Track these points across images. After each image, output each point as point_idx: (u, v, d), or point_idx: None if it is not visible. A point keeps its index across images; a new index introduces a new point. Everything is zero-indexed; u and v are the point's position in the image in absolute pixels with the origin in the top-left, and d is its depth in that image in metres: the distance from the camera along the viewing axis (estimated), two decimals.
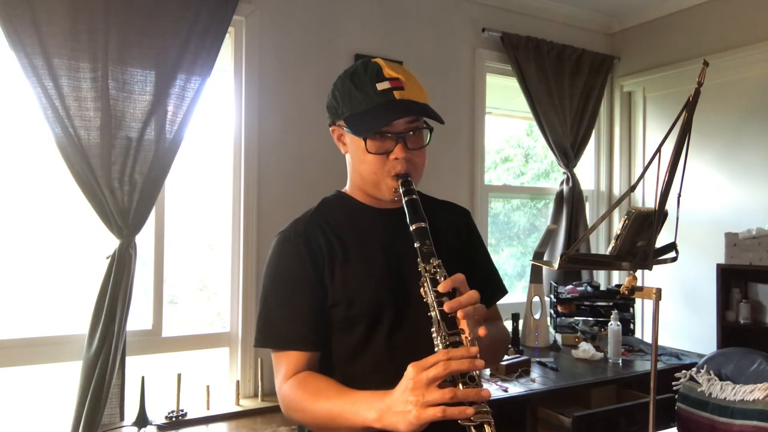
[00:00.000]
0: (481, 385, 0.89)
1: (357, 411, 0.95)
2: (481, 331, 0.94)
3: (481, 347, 0.93)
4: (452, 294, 0.96)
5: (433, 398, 0.85)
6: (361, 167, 1.14)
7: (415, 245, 1.03)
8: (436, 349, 0.93)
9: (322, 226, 1.17)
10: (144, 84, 2.30)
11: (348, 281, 1.12)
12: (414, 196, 1.08)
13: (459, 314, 0.94)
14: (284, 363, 1.11)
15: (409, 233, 1.05)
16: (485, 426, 0.85)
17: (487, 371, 2.57)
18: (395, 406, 0.89)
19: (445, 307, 0.93)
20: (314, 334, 1.11)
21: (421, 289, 1.00)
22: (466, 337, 0.93)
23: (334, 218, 1.19)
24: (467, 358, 0.88)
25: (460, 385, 0.87)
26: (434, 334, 0.94)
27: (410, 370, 0.89)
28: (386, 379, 0.94)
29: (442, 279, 0.97)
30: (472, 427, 0.85)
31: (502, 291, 1.32)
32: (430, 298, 0.97)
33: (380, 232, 1.18)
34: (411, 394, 0.87)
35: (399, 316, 1.12)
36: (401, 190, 1.09)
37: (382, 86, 1.08)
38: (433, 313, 0.96)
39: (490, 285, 1.29)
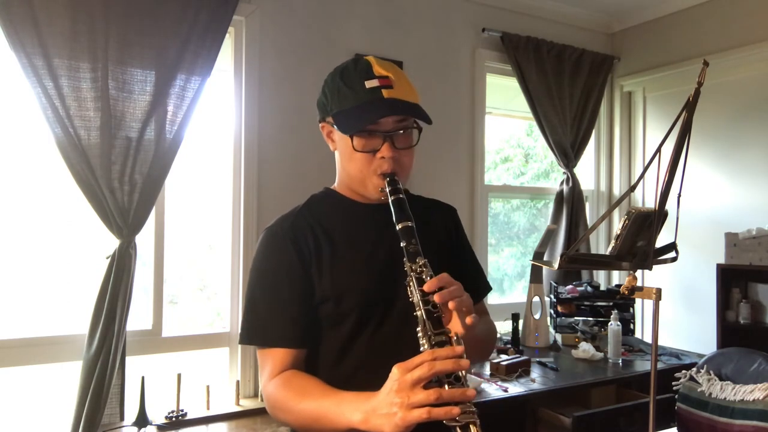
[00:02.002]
0: (467, 385, 0.88)
1: (342, 412, 0.94)
2: (468, 320, 0.94)
3: (469, 342, 0.93)
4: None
5: (418, 400, 0.84)
6: (348, 165, 1.15)
7: (402, 244, 1.02)
8: (421, 348, 0.92)
9: (310, 222, 1.16)
10: (144, 84, 2.30)
11: (336, 277, 1.11)
12: (400, 196, 1.08)
13: (450, 305, 0.94)
14: (269, 361, 1.10)
15: (396, 229, 1.05)
16: (471, 426, 0.85)
17: (488, 371, 2.57)
18: (380, 408, 0.88)
19: (436, 298, 0.93)
20: (300, 332, 1.10)
21: (408, 289, 0.99)
22: (452, 337, 0.92)
23: (322, 214, 1.19)
24: (452, 358, 0.87)
25: (446, 386, 0.87)
26: (419, 334, 0.94)
27: (395, 371, 0.88)
28: (371, 378, 0.94)
29: (428, 278, 0.97)
30: (457, 428, 0.85)
31: (488, 288, 1.33)
32: (416, 298, 0.96)
33: (368, 228, 1.17)
34: (396, 396, 0.86)
35: (386, 313, 1.12)
36: (387, 190, 1.09)
37: (370, 84, 1.08)
38: (418, 313, 0.95)
39: (477, 282, 1.30)
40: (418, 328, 0.94)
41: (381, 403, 0.88)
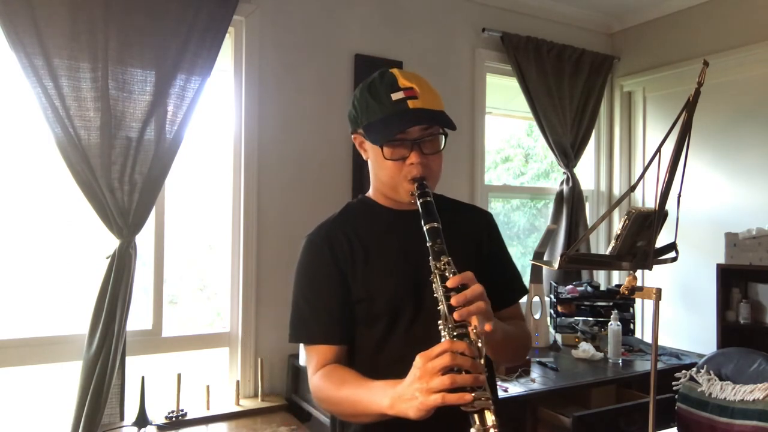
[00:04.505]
0: (480, 372, 0.94)
1: (373, 399, 1.02)
2: (487, 327, 0.98)
3: (492, 342, 0.99)
4: (461, 290, 1.01)
5: (435, 385, 0.91)
6: (380, 172, 1.23)
7: (428, 244, 1.09)
8: (442, 340, 0.98)
9: (345, 229, 1.25)
10: (144, 84, 2.30)
11: (369, 280, 1.20)
12: (428, 198, 1.15)
13: (464, 312, 0.98)
14: (314, 356, 1.20)
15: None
16: (485, 411, 0.91)
17: None
18: (404, 394, 0.95)
19: (452, 301, 0.98)
20: (341, 330, 1.20)
21: (432, 285, 1.05)
22: (472, 330, 0.98)
23: (356, 221, 1.27)
24: (470, 358, 0.93)
25: (464, 372, 0.93)
26: (441, 327, 0.99)
27: (418, 360, 0.95)
28: (408, 369, 0.99)
29: (451, 275, 1.03)
30: (474, 414, 0.90)
31: (523, 290, 1.38)
32: (439, 293, 1.03)
33: (399, 233, 1.25)
34: (418, 383, 0.93)
35: (416, 312, 1.19)
36: (416, 193, 1.16)
37: (396, 96, 1.16)
38: (441, 307, 1.01)
39: (512, 285, 1.36)
40: (440, 321, 1.00)
41: (405, 389, 0.96)
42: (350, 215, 1.30)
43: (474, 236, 1.32)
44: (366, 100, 1.19)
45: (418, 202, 1.15)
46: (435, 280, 1.05)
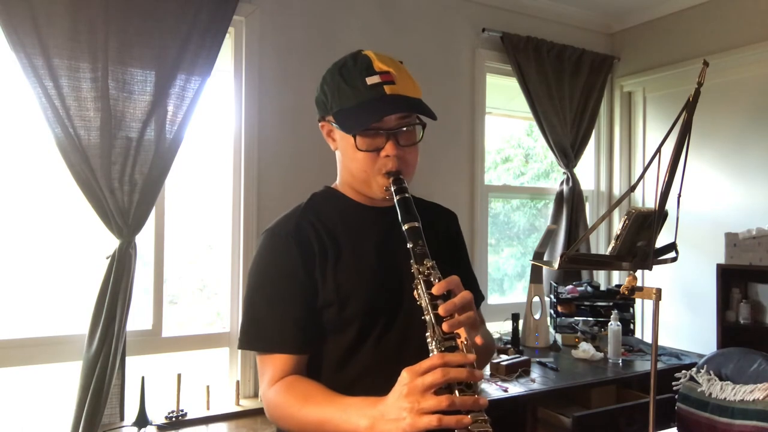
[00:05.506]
0: (479, 393, 0.85)
1: (348, 418, 0.90)
2: (478, 340, 0.91)
3: (476, 353, 0.90)
4: (446, 296, 0.92)
5: (429, 405, 0.81)
6: (351, 164, 1.10)
7: (408, 246, 0.99)
8: (431, 354, 0.89)
9: (314, 224, 1.11)
10: (144, 84, 2.30)
11: (340, 282, 1.07)
12: (406, 195, 1.04)
13: (454, 323, 0.90)
14: (270, 366, 1.05)
15: (401, 232, 1.01)
16: None
17: (488, 371, 2.57)
18: (388, 414, 0.85)
19: (440, 311, 0.89)
20: (303, 337, 1.06)
21: (415, 292, 0.95)
22: (462, 342, 0.89)
23: (325, 215, 1.14)
24: (466, 367, 0.84)
25: (457, 392, 0.83)
26: (429, 339, 0.90)
27: (405, 375, 0.84)
28: (375, 383, 0.92)
29: (436, 281, 0.93)
30: None
31: (481, 297, 1.28)
32: (424, 302, 0.93)
33: (372, 230, 1.14)
34: (405, 401, 0.83)
35: (391, 318, 1.08)
36: (393, 189, 1.05)
37: (372, 80, 1.04)
38: (427, 317, 0.92)
39: (474, 289, 1.24)
40: (427, 333, 0.91)
41: (389, 408, 0.85)
42: (319, 208, 1.16)
43: (442, 237, 1.22)
44: (337, 84, 1.06)
45: (395, 199, 1.03)
46: (419, 286, 0.94)
